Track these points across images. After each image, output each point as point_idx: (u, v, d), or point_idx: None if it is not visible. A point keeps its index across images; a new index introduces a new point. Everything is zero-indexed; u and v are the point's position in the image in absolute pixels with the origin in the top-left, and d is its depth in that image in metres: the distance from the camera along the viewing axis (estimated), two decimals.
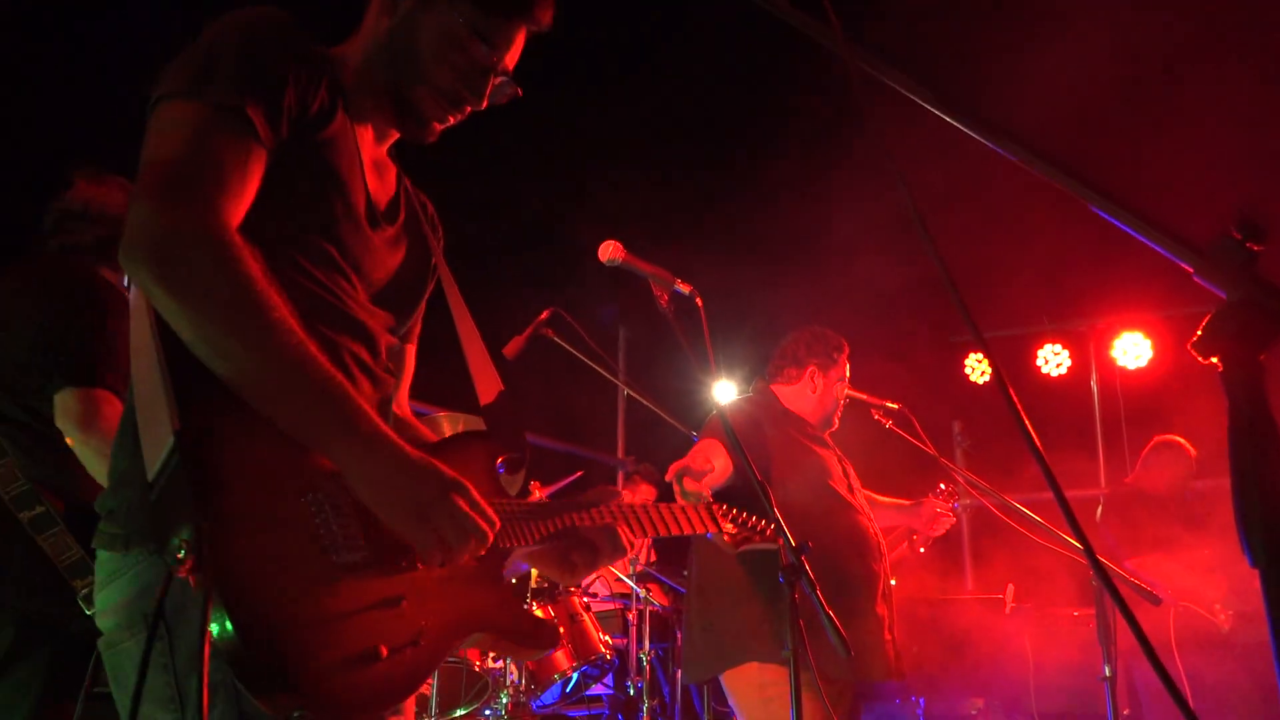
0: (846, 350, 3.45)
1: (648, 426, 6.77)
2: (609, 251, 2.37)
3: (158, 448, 1.18)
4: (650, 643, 4.73)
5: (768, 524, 1.87)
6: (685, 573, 5.02)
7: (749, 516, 1.86)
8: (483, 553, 1.29)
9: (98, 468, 2.39)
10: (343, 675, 1.14)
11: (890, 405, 3.12)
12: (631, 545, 1.57)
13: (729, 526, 1.82)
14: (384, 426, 1.24)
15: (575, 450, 6.55)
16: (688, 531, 1.75)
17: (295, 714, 1.09)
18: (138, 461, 1.24)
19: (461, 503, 1.25)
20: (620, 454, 6.93)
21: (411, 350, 1.62)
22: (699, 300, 2.41)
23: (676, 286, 2.42)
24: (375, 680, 1.17)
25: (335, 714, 1.13)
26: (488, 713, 4.09)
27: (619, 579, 5.34)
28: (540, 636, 1.46)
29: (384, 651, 1.18)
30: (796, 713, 2.13)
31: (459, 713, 3.98)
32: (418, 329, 1.63)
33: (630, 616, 4.97)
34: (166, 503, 1.13)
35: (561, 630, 4.19)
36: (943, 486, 3.63)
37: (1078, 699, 5.80)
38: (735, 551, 1.84)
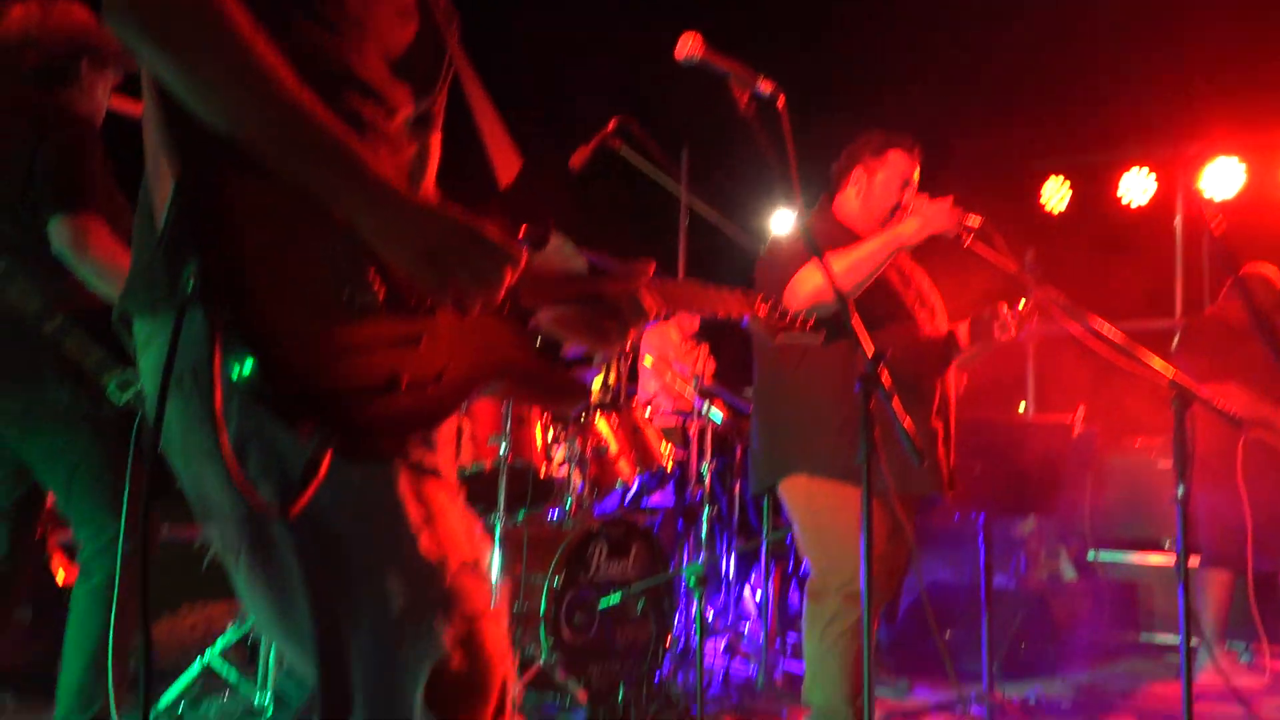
0: (903, 148, 3.26)
1: (711, 254, 6.68)
2: (688, 46, 2.25)
3: (163, 200, 1.18)
4: (710, 455, 4.80)
5: (807, 316, 1.82)
6: (745, 391, 5.17)
7: (785, 304, 1.83)
8: (501, 296, 1.26)
9: (100, 289, 2.56)
10: (364, 402, 1.15)
11: (971, 221, 3.00)
12: (653, 311, 1.54)
13: (764, 312, 1.79)
14: (392, 176, 1.21)
15: (610, 267, 6.61)
16: (719, 313, 1.72)
17: (318, 435, 1.11)
18: (149, 224, 1.25)
19: (475, 242, 1.22)
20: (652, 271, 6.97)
21: (435, 139, 1.56)
22: (781, 102, 2.26)
23: (758, 86, 2.28)
24: (397, 409, 1.18)
25: (358, 437, 1.14)
26: (552, 515, 4.22)
27: (682, 394, 5.47)
28: (567, 389, 1.45)
29: (404, 382, 1.18)
30: (867, 525, 2.16)
31: (523, 513, 4.10)
32: (440, 118, 1.57)
33: (691, 431, 5.03)
34: (174, 247, 1.13)
35: (591, 393, 4.28)
36: (1023, 302, 3.54)
37: (1132, 525, 5.90)
38: (774, 341, 1.80)
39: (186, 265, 1.08)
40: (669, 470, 4.51)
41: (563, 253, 1.64)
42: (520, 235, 1.46)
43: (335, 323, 1.15)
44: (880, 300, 3.14)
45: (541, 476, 4.10)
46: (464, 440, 3.93)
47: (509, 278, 1.25)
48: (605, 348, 1.56)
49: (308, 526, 1.18)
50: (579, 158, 3.71)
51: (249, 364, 1.08)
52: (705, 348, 6.20)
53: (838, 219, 3.32)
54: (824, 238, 3.15)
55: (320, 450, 1.11)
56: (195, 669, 3.55)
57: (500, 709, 1.25)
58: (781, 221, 7.10)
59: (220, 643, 3.57)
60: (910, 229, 3.02)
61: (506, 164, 1.56)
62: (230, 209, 1.14)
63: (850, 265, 3.00)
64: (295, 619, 1.22)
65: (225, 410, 1.16)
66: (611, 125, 3.86)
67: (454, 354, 1.27)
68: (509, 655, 1.28)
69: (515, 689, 1.29)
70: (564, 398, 1.46)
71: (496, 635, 1.26)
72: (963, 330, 3.36)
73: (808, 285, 2.94)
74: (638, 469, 4.38)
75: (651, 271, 1.59)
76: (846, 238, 3.21)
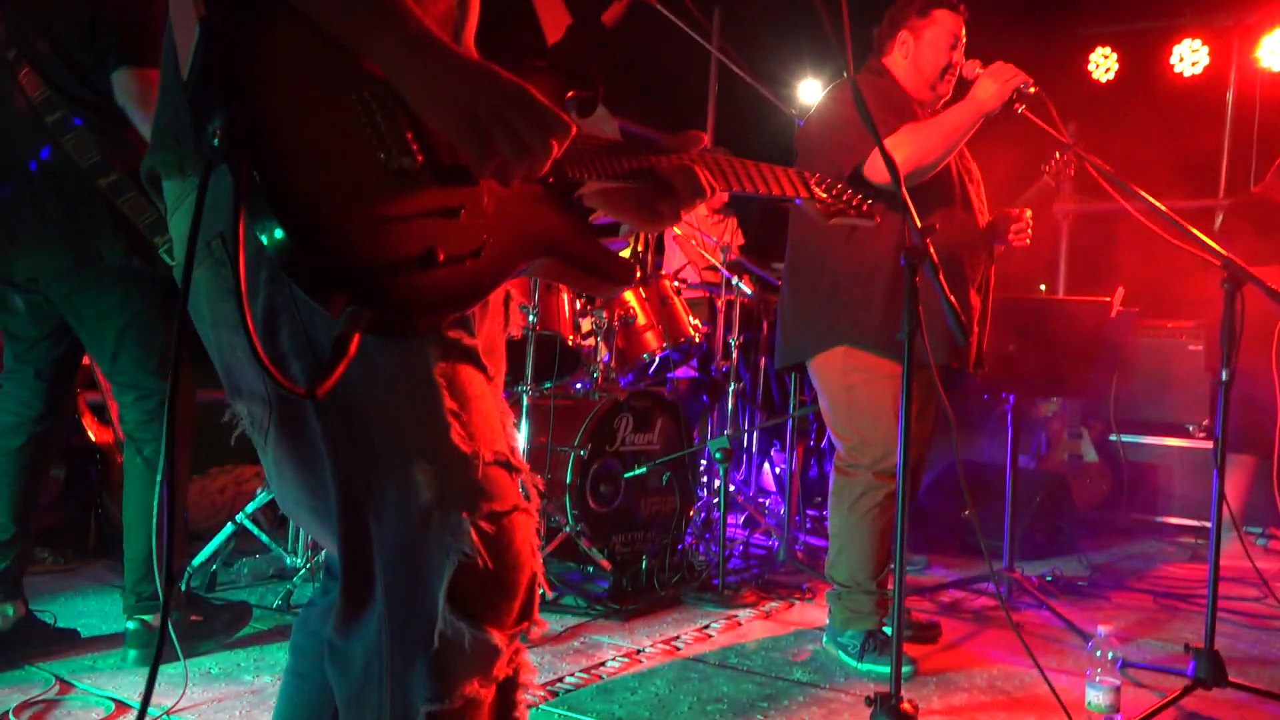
0: (948, 6, 3.13)
1: (740, 120, 6.50)
2: None
3: (188, 47, 1.12)
4: (737, 330, 4.76)
5: (864, 198, 1.77)
6: (774, 265, 5.12)
7: (844, 187, 1.77)
8: (547, 166, 1.18)
9: None
10: (398, 275, 1.09)
11: (1028, 86, 2.87)
12: (711, 189, 1.46)
13: (820, 193, 1.72)
14: (434, 27, 1.14)
15: (660, 138, 6.54)
16: (775, 192, 1.65)
17: (349, 309, 1.05)
18: (175, 73, 1.18)
19: (520, 107, 1.14)
20: (708, 144, 6.92)
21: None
22: None
23: None
24: (433, 283, 1.12)
25: (391, 313, 1.09)
26: (578, 385, 4.22)
27: (709, 266, 5.40)
28: (613, 269, 1.37)
29: (440, 256, 1.12)
30: (907, 400, 2.12)
31: (550, 384, 4.10)
32: None
33: (719, 304, 4.99)
34: (199, 98, 1.06)
35: (639, 273, 4.24)
36: (1057, 156, 3.43)
37: (1157, 408, 5.89)
38: (827, 222, 1.75)
39: (212, 119, 1.02)
40: (695, 343, 4.50)
41: (601, 121, 1.57)
42: (568, 99, 1.39)
43: (370, 189, 1.10)
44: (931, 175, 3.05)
45: (570, 345, 4.09)
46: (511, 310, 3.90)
47: (557, 148, 1.17)
48: (656, 227, 1.50)
49: (335, 408, 1.15)
50: (613, 12, 3.54)
51: (277, 232, 1.03)
52: (733, 220, 6.14)
53: (895, 78, 3.16)
54: (882, 102, 3.02)
55: (351, 327, 1.05)
56: (226, 530, 3.61)
57: (527, 608, 1.21)
58: (810, 91, 6.90)
59: (251, 506, 3.62)
60: (988, 93, 2.89)
61: (554, 19, 1.45)
62: (261, 58, 1.08)
63: (934, 136, 2.92)
64: (321, 503, 1.19)
65: (252, 282, 1.13)
66: None
67: (495, 228, 1.21)
68: (538, 552, 1.23)
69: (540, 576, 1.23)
70: (609, 281, 1.37)
71: (526, 532, 1.21)
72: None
73: (900, 154, 2.84)
74: (664, 341, 4.36)
75: (705, 144, 1.52)
76: (905, 101, 3.12)
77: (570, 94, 1.39)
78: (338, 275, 1.06)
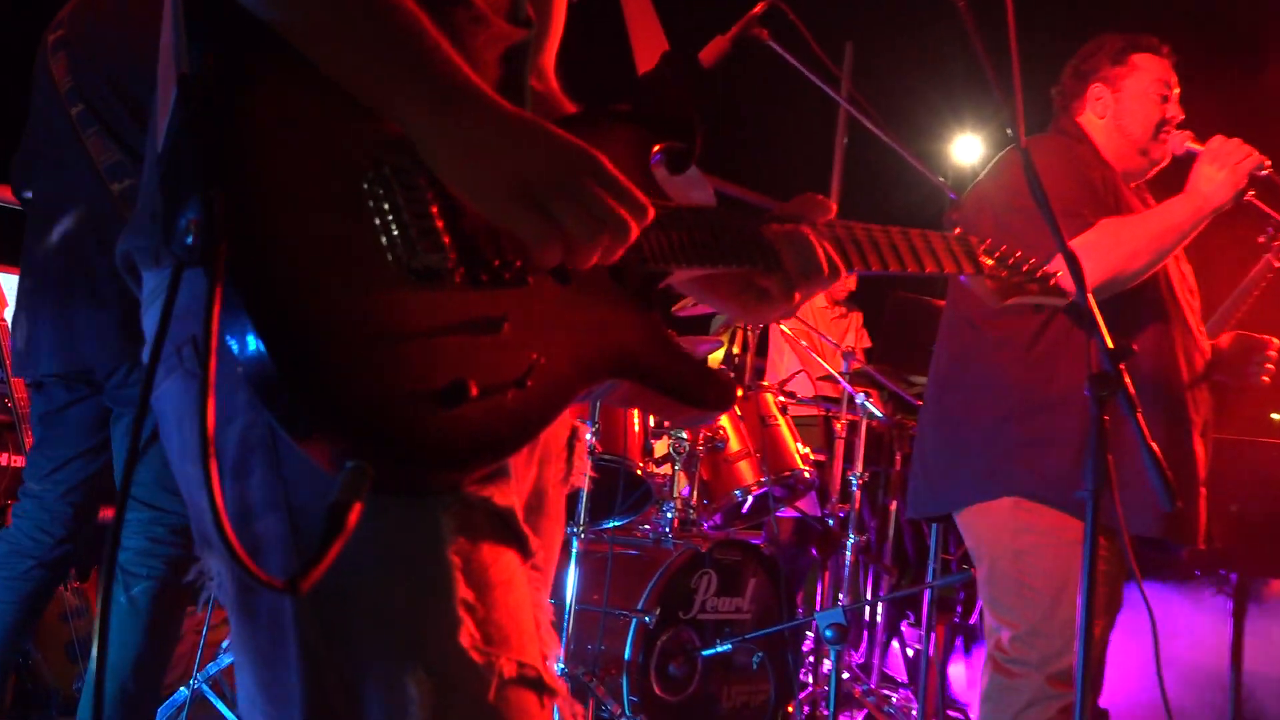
0: (1149, 50, 3.14)
1: (875, 181, 6.51)
2: None
3: (166, 106, 1.16)
4: (861, 463, 4.80)
5: (1042, 264, 1.79)
6: (911, 379, 5.11)
7: (1023, 256, 1.78)
8: (618, 254, 1.20)
9: None
10: (414, 414, 1.08)
11: (1262, 169, 2.88)
12: (832, 268, 1.48)
13: (989, 263, 1.73)
14: (474, 77, 1.17)
15: (773, 206, 6.63)
16: (926, 269, 1.64)
17: (349, 465, 1.04)
18: (153, 141, 1.25)
19: (589, 180, 1.17)
20: (833, 214, 6.97)
21: (561, 3, 1.55)
22: None
23: None
24: (461, 426, 1.10)
25: (405, 466, 1.08)
26: (647, 529, 4.25)
27: (826, 376, 5.38)
28: (707, 391, 1.37)
29: (473, 389, 1.10)
30: (1090, 577, 2.10)
31: (611, 524, 4.15)
32: None
33: (838, 427, 5.02)
34: (172, 181, 1.09)
35: (740, 394, 4.24)
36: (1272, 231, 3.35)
37: None
38: (1001, 303, 1.76)
39: (186, 208, 1.04)
40: (805, 479, 4.50)
41: (693, 183, 1.60)
42: (655, 153, 1.42)
43: (383, 295, 1.10)
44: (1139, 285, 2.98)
45: (638, 473, 4.14)
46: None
47: (635, 230, 1.19)
48: (760, 317, 1.52)
49: (313, 590, 1.11)
50: (713, 50, 3.64)
51: (251, 341, 1.03)
52: (858, 316, 6.14)
53: (1096, 145, 3.15)
54: (1077, 179, 3.01)
55: (352, 491, 1.03)
56: (180, 695, 3.65)
57: None
58: (966, 150, 6.96)
59: (214, 666, 3.67)
60: (1215, 185, 2.89)
61: (648, 42, 1.49)
62: (253, 127, 1.10)
63: (1142, 238, 2.90)
64: (286, 704, 1.18)
65: (226, 405, 1.13)
66: (759, 7, 3.82)
67: (548, 343, 1.21)
68: None
69: None
70: (701, 407, 1.37)
71: None
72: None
73: (1094, 260, 2.79)
74: (763, 474, 4.38)
75: (832, 213, 1.56)
76: (1109, 177, 3.08)
77: (659, 146, 1.42)
78: (332, 411, 1.04)
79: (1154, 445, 2.00)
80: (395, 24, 1.15)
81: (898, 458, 5.16)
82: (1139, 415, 2.02)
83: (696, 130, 1.44)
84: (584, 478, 3.93)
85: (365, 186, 1.14)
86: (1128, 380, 2.06)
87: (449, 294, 1.14)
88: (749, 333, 5.04)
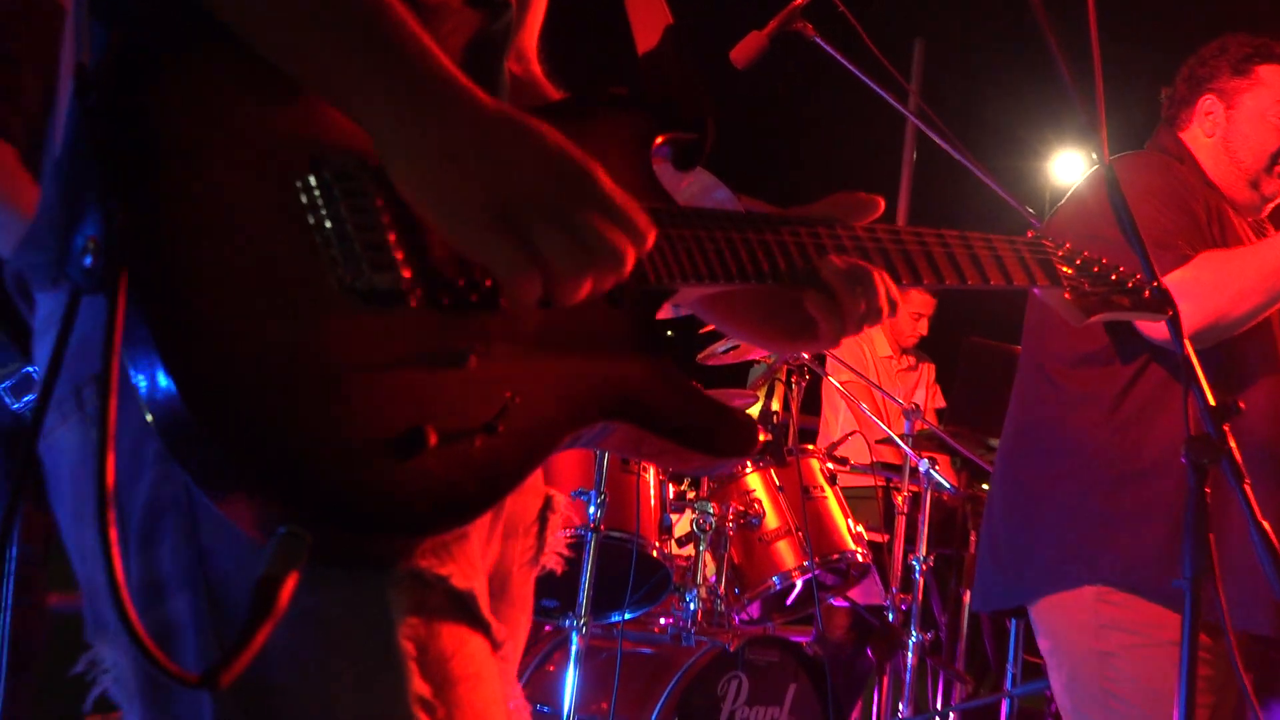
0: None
1: (946, 204, 6.50)
2: None
3: (66, 98, 1.17)
4: (926, 545, 4.71)
5: (1135, 272, 1.81)
6: (990, 442, 4.97)
7: (1109, 264, 1.80)
8: (610, 284, 1.20)
9: None
10: (361, 468, 1.08)
11: None
12: (890, 303, 1.47)
13: (1068, 271, 1.74)
14: (447, 62, 1.17)
15: (809, 210, 6.85)
16: (994, 280, 1.63)
17: (281, 531, 1.03)
18: (53, 137, 1.26)
19: (583, 203, 1.16)
20: (879, 213, 7.18)
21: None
22: None
23: None
24: (418, 481, 1.10)
25: (350, 532, 1.08)
26: (664, 622, 4.17)
27: (885, 439, 5.36)
28: (725, 437, 1.37)
29: (433, 436, 1.10)
30: (1189, 685, 2.00)
31: (620, 617, 4.06)
32: None
33: (899, 500, 4.94)
34: (72, 188, 1.10)
35: (763, 438, 4.35)
36: None
37: None
38: (1084, 321, 1.77)
39: (83, 225, 1.05)
40: (858, 563, 4.45)
41: (705, 188, 1.66)
42: (657, 145, 1.43)
43: (321, 322, 1.11)
44: (1250, 332, 2.95)
45: (653, 555, 4.09)
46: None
47: (631, 261, 1.19)
48: (799, 348, 1.53)
49: (236, 684, 1.09)
50: (747, 49, 3.57)
51: (161, 380, 1.03)
52: (930, 370, 6.14)
53: (1201, 166, 3.13)
54: (1173, 205, 2.98)
55: (284, 563, 1.03)
56: None
57: None
58: (1067, 168, 6.90)
59: None
60: None
61: (648, 17, 1.54)
62: (167, 126, 1.09)
63: (1249, 276, 2.87)
64: None
65: (131, 457, 1.13)
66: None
67: (527, 376, 1.22)
68: None
69: None
70: (716, 453, 1.38)
71: None
72: None
73: (1192, 301, 2.75)
74: (807, 557, 4.31)
75: (878, 212, 1.55)
76: (1214, 203, 3.07)
77: (663, 138, 1.43)
78: (260, 465, 1.04)
79: (1265, 523, 1.93)
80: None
81: (971, 538, 5.13)
82: (1247, 487, 1.95)
83: (708, 118, 1.45)
84: (557, 558, 3.84)
85: (301, 194, 1.13)
86: (1233, 444, 1.99)
87: (403, 321, 1.14)
88: (793, 386, 5.02)
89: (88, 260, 1.03)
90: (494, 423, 1.15)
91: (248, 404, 1.05)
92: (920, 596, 4.64)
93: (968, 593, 5.11)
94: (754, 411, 4.89)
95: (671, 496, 4.16)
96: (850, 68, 3.87)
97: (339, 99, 1.15)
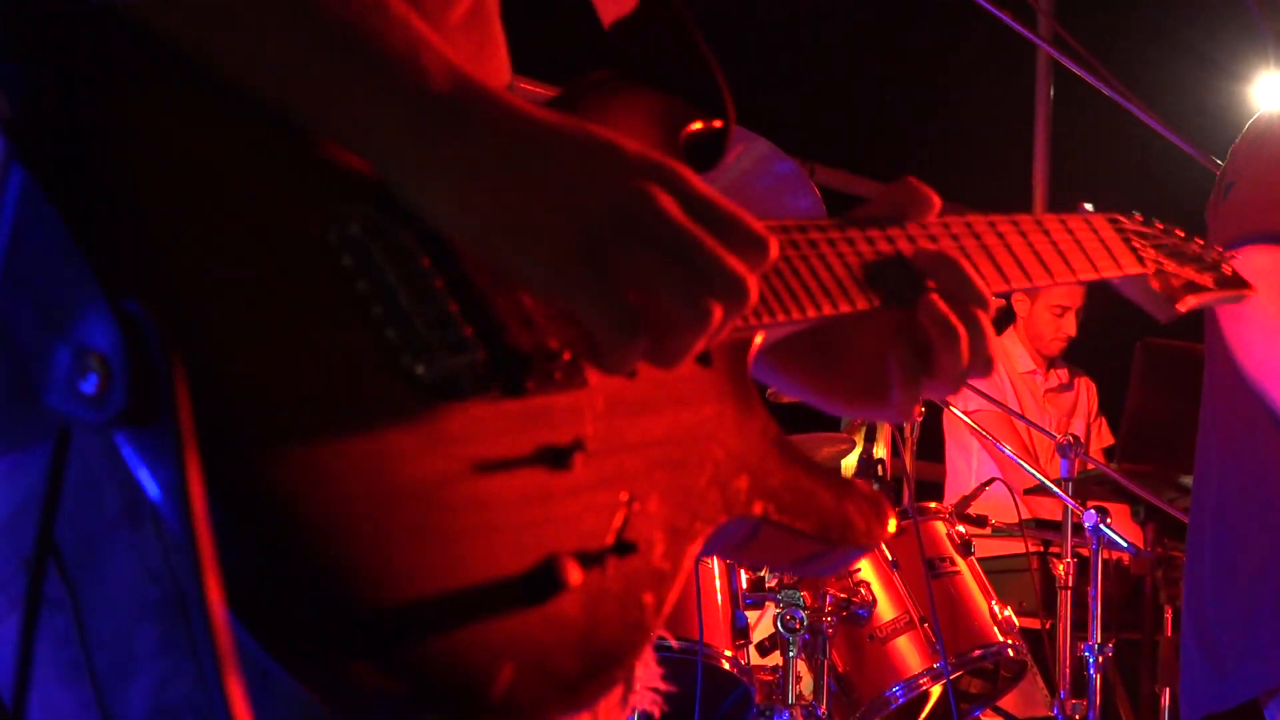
0: None
1: (1093, 144, 6.58)
2: None
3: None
4: (1103, 629, 4.64)
5: (1213, 243, 1.90)
6: (1182, 480, 4.86)
7: (1180, 232, 1.89)
8: (732, 324, 1.23)
9: None
10: (493, 626, 1.11)
11: None
12: (984, 309, 1.53)
13: (1150, 251, 1.82)
14: (467, 68, 1.21)
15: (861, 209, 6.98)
16: (1058, 275, 1.72)
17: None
18: None
19: (680, 215, 1.19)
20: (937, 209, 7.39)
21: None
22: None
23: None
24: (566, 634, 1.15)
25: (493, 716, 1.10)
26: None
27: (1036, 488, 5.34)
28: (850, 517, 1.43)
29: (571, 569, 1.14)
30: None
31: None
32: None
33: (1060, 570, 4.90)
34: (29, 285, 1.10)
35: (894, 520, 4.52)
36: None
37: None
38: (1174, 312, 1.86)
39: (71, 330, 1.07)
40: (1010, 658, 4.42)
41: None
42: (684, 136, 1.49)
43: (396, 431, 1.14)
44: None
45: (725, 669, 4.09)
46: None
47: (755, 290, 1.23)
48: (906, 401, 1.56)
49: None
50: None
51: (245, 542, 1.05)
52: (1089, 386, 6.14)
53: None
54: None
55: None
56: None
57: None
58: (1272, 92, 6.84)
59: None
60: None
61: None
62: (139, 177, 1.12)
63: None
64: None
65: (118, 655, 1.17)
66: None
67: (636, 472, 1.27)
68: None
69: None
70: (842, 541, 1.44)
71: None
72: None
73: None
74: (938, 656, 4.27)
75: (935, 208, 1.62)
76: None
77: (696, 125, 1.50)
78: (370, 640, 1.06)
79: None
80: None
81: (1167, 615, 5.03)
82: None
83: (728, 101, 1.51)
84: (652, 697, 3.99)
85: (328, 259, 1.16)
86: None
87: (481, 416, 1.17)
88: (905, 426, 4.98)
89: (88, 384, 1.03)
90: (624, 541, 1.20)
91: (344, 557, 1.08)
92: (1099, 700, 4.58)
93: (1166, 692, 5.01)
94: (851, 462, 4.89)
95: (745, 587, 4.16)
96: None
97: (343, 129, 1.19)
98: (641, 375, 1.30)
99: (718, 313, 1.20)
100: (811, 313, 1.45)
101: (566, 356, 1.23)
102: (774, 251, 1.26)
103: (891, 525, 1.47)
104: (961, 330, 1.51)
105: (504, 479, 1.17)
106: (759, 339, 1.49)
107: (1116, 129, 5.62)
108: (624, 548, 1.20)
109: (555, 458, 1.19)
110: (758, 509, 1.36)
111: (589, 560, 1.17)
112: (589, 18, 1.63)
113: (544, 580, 1.13)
